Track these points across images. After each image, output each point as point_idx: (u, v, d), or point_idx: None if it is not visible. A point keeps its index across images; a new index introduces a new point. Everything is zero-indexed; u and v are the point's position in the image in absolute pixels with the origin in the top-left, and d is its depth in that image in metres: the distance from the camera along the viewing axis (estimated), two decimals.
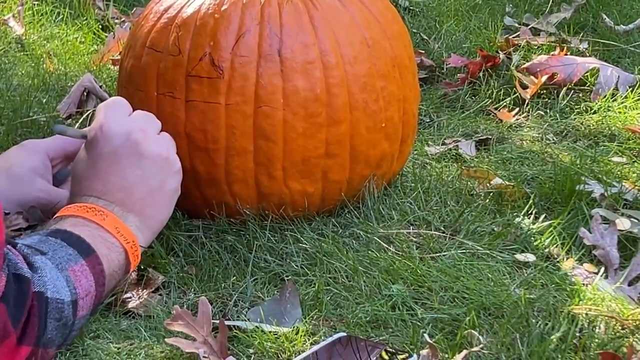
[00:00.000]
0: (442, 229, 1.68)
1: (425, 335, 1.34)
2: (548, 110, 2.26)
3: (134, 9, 3.04)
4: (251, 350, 1.34)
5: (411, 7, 2.98)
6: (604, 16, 2.78)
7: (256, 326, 1.38)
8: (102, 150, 1.45)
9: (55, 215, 1.42)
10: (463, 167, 1.93)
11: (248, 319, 1.41)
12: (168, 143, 1.53)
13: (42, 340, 1.18)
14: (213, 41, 1.60)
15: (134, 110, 1.52)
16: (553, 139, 2.13)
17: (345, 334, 1.35)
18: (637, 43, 2.64)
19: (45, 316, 1.20)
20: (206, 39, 1.60)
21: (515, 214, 1.74)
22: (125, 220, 1.42)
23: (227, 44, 1.60)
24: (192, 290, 1.50)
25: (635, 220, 1.67)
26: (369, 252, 1.58)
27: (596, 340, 1.35)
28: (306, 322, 1.41)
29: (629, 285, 1.50)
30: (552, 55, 2.44)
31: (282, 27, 1.61)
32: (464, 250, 1.60)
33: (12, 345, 1.12)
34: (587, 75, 2.38)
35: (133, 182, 1.45)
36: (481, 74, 2.40)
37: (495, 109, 2.28)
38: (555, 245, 1.63)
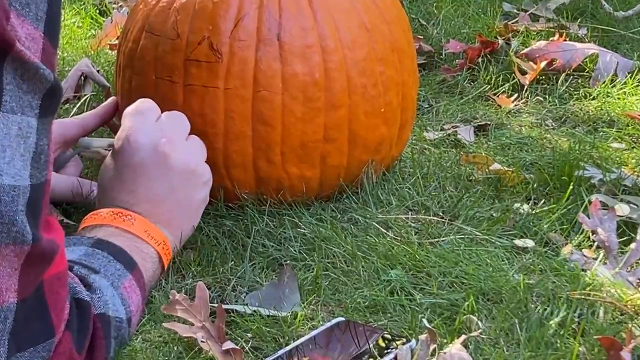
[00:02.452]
0: (441, 214, 1.68)
1: (424, 320, 1.34)
2: (547, 96, 2.26)
3: None
4: (249, 335, 1.34)
5: None
6: (603, 2, 2.77)
7: (254, 311, 1.38)
8: (129, 162, 1.43)
9: (85, 223, 1.40)
10: (462, 153, 1.93)
11: (246, 304, 1.41)
12: (197, 150, 1.51)
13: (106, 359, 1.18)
14: (212, 25, 1.59)
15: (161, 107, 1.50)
16: (552, 125, 2.12)
17: (343, 319, 1.35)
18: (636, 29, 2.63)
19: (109, 336, 1.19)
20: (205, 23, 1.59)
21: (514, 199, 1.73)
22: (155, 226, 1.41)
23: (226, 27, 1.59)
24: (191, 275, 1.50)
25: (635, 206, 1.67)
26: (368, 237, 1.58)
27: (595, 325, 1.35)
28: (304, 307, 1.41)
29: (628, 270, 1.50)
30: (551, 41, 2.44)
31: (281, 10, 1.60)
32: (463, 236, 1.59)
33: None
34: (586, 61, 2.37)
35: (160, 194, 1.43)
36: (480, 60, 2.40)
37: (494, 94, 2.27)
38: (554, 231, 1.62)
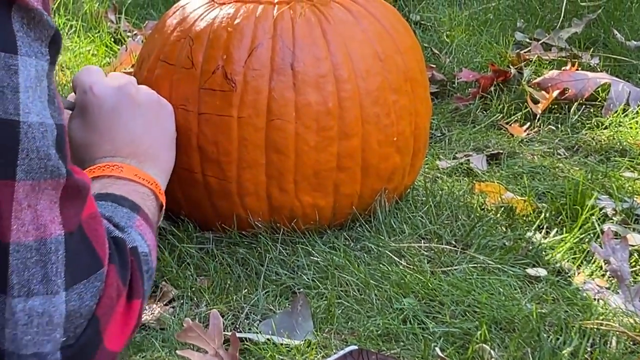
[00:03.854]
0: (454, 242, 1.68)
1: (437, 349, 1.34)
2: (559, 125, 2.26)
3: (146, 22, 3.05)
4: None
5: (422, 22, 2.99)
6: (615, 31, 2.78)
7: (268, 339, 1.38)
8: (100, 112, 1.46)
9: None
10: (474, 182, 1.94)
11: (259, 332, 1.41)
12: (149, 88, 1.55)
13: (143, 292, 1.21)
14: (226, 54, 1.60)
15: None
16: (564, 154, 2.13)
17: (356, 347, 1.35)
18: None
19: (142, 269, 1.23)
20: (219, 52, 1.61)
21: (526, 228, 1.74)
22: (142, 170, 1.43)
23: (240, 57, 1.60)
24: (204, 302, 1.50)
25: None
26: (381, 265, 1.58)
27: (607, 355, 1.35)
28: (318, 335, 1.41)
29: None
30: (564, 70, 2.45)
31: (295, 40, 1.61)
32: (475, 264, 1.60)
33: (124, 302, 1.16)
34: (598, 91, 2.38)
35: (139, 132, 1.46)
36: (492, 89, 2.40)
37: (507, 123, 2.28)
38: (566, 260, 1.63)
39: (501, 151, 2.11)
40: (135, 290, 1.18)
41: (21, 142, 0.99)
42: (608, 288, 1.54)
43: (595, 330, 1.41)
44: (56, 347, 1.06)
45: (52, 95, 1.04)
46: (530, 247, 1.66)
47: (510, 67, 2.54)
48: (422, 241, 1.69)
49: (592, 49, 2.73)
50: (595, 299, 1.51)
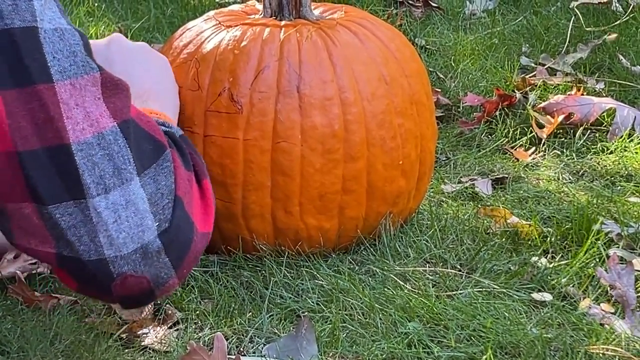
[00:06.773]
0: (459, 267, 1.68)
1: None
2: (564, 150, 2.26)
3: (152, 45, 3.05)
4: None
5: (428, 46, 2.99)
6: (621, 57, 2.78)
7: None
8: None
9: None
10: (479, 206, 1.93)
11: (264, 355, 1.41)
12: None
13: (206, 171, 1.24)
14: (232, 77, 1.60)
15: None
16: (569, 179, 2.13)
17: None
18: None
19: (196, 152, 1.26)
20: (225, 75, 1.61)
21: (531, 253, 1.73)
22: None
23: (246, 79, 1.60)
24: (209, 325, 1.50)
25: None
26: (385, 289, 1.58)
27: None
28: (322, 358, 1.40)
29: None
30: (569, 95, 2.44)
31: (301, 63, 1.61)
32: (481, 289, 1.59)
33: (196, 186, 1.20)
34: (603, 116, 2.38)
35: (136, 74, 1.45)
36: (497, 113, 2.40)
37: (512, 148, 2.28)
38: (572, 285, 1.62)
39: (506, 175, 2.10)
40: (200, 170, 1.22)
41: (43, 45, 1.06)
42: (614, 313, 1.53)
43: (600, 355, 1.40)
44: (153, 233, 1.10)
45: (62, 10, 1.09)
46: (536, 272, 1.65)
47: (516, 91, 2.54)
48: (427, 265, 1.68)
49: (597, 73, 2.73)
50: (601, 324, 1.50)
